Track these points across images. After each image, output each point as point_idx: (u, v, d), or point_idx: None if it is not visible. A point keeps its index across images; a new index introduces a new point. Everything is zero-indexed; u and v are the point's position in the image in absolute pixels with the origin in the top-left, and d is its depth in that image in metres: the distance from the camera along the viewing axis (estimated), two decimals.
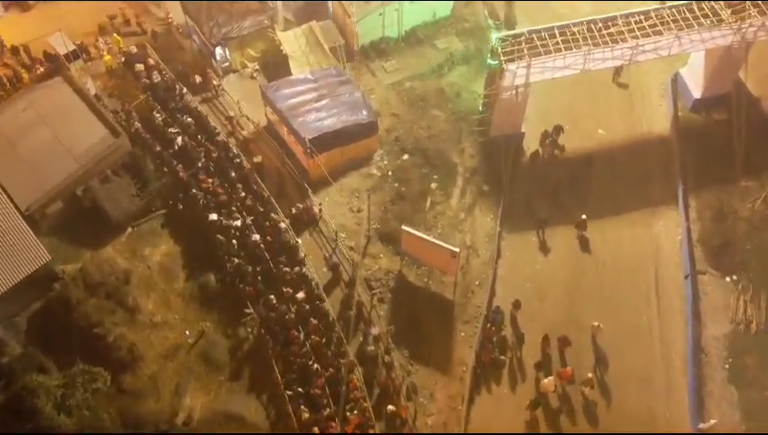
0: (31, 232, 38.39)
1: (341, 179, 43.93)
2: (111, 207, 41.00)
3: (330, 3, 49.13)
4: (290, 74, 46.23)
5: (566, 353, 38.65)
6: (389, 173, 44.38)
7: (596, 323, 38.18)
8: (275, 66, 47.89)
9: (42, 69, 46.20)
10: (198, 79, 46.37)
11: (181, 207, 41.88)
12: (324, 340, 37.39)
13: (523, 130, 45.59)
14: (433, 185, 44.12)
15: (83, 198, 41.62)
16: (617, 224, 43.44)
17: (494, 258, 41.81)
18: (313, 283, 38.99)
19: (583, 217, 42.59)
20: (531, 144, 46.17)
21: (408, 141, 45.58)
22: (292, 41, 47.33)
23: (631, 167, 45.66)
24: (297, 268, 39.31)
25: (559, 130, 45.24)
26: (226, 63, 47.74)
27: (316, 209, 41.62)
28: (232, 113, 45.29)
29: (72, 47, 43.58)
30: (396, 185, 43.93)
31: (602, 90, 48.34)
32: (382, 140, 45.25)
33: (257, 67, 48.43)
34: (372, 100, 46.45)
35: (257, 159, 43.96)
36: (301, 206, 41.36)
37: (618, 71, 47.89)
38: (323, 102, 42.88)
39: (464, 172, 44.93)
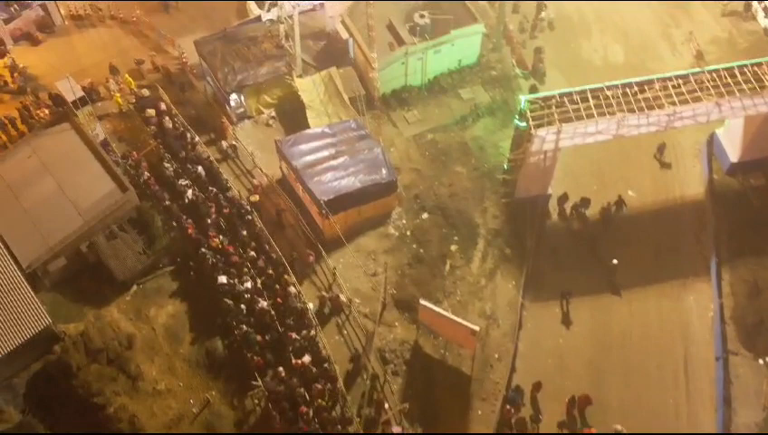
0: (32, 293, 37.61)
1: (358, 239, 42.81)
2: (116, 266, 40.00)
3: (351, 47, 47.82)
4: (307, 124, 45.07)
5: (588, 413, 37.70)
6: (408, 233, 43.19)
7: (618, 427, 36.67)
8: (292, 112, 46.80)
9: (47, 111, 45.25)
10: (225, 144, 45.34)
11: (191, 266, 40.80)
12: (330, 403, 36.49)
13: (549, 192, 44.15)
14: (453, 247, 42.92)
15: (88, 253, 40.58)
16: (645, 296, 42.03)
17: (515, 330, 40.57)
18: (324, 352, 37.90)
19: (614, 261, 41.75)
20: (557, 204, 44.94)
21: (428, 199, 44.43)
22: (310, 88, 46.14)
23: (662, 233, 44.20)
24: (305, 332, 38.28)
25: (587, 202, 43.78)
26: (241, 109, 46.65)
27: (343, 297, 40.18)
28: (257, 181, 44.25)
29: (80, 93, 42.37)
30: (414, 246, 42.75)
31: (633, 148, 46.79)
32: (401, 197, 43.95)
33: (273, 114, 47.42)
34: (392, 153, 45.37)
35: (254, 198, 43.07)
36: (326, 295, 40.09)
37: (660, 149, 46.20)
38: (341, 160, 41.74)
39: (486, 234, 43.68)
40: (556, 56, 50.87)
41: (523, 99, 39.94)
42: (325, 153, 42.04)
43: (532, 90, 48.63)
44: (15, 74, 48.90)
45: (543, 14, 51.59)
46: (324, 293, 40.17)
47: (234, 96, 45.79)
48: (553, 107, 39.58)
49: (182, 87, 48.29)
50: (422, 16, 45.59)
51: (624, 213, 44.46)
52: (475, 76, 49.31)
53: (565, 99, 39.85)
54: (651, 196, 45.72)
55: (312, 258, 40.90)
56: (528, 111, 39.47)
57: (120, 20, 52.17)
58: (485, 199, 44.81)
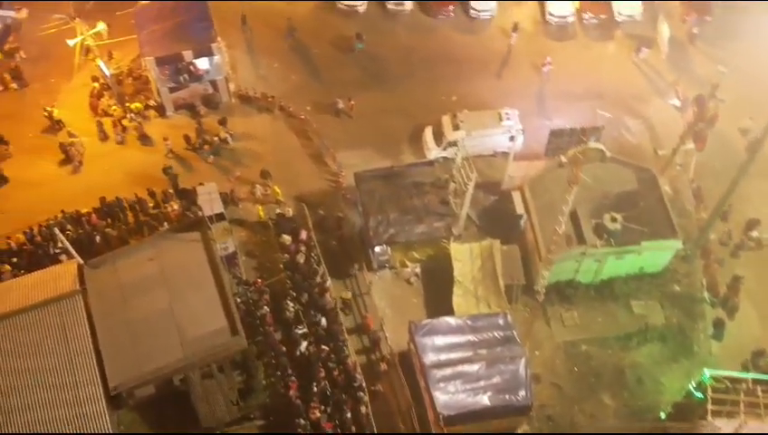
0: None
1: None
2: (204, 412, 37.77)
3: (521, 223, 43.58)
4: (450, 297, 41.45)
5: None
6: None
7: None
8: (439, 274, 43.12)
9: (175, 207, 44.05)
10: (383, 367, 41.00)
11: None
12: None
13: None
14: None
15: (180, 384, 38.40)
16: None
17: None
18: None
19: None
20: None
21: (561, 425, 39.83)
22: (465, 258, 42.40)
23: None
24: None
25: None
26: (385, 257, 43.60)
27: None
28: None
29: (219, 209, 40.30)
30: None
31: None
32: (531, 417, 39.33)
33: (418, 271, 43.94)
34: (535, 357, 41.15)
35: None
36: None
37: None
38: (475, 367, 37.71)
39: None
40: (756, 286, 44.57)
41: (707, 372, 34.57)
42: (460, 354, 38.13)
43: (717, 323, 42.87)
44: (206, 147, 48.58)
45: (756, 232, 45.45)
46: None
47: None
48: (741, 393, 34.03)
49: (338, 224, 45.52)
50: (614, 220, 40.80)
51: None
52: (655, 288, 43.91)
53: (759, 387, 34.20)
54: None
55: None
56: (710, 390, 34.12)
57: (288, 113, 50.20)
58: None
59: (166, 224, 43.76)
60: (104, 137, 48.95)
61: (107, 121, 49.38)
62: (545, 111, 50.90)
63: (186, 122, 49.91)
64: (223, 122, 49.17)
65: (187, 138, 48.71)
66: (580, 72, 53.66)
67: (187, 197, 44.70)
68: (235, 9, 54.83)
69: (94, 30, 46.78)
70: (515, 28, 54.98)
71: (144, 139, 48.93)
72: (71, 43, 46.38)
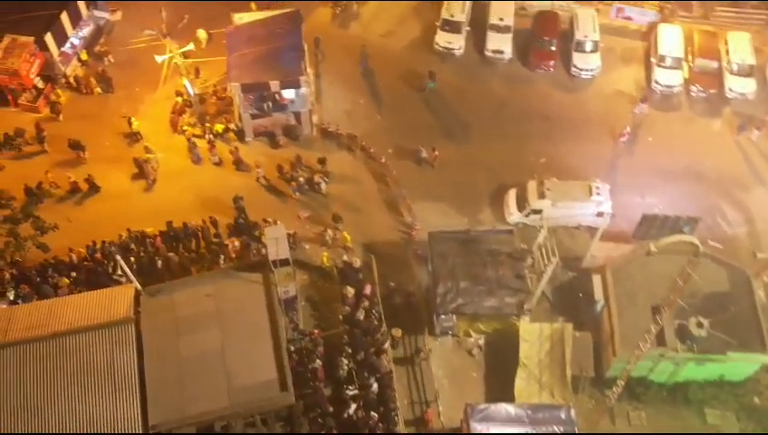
0: None
1: None
2: None
3: (598, 309, 41.31)
4: (511, 380, 39.47)
5: None
6: None
7: None
8: (503, 349, 41.11)
9: (236, 244, 43.24)
10: None
11: None
12: None
13: None
14: None
15: (221, 430, 37.46)
16: None
17: None
18: None
19: None
20: None
21: None
22: (533, 338, 40.37)
23: None
24: None
25: None
26: (449, 324, 41.80)
27: None
28: None
29: (284, 255, 39.12)
30: None
31: None
32: None
33: (481, 343, 42.06)
34: None
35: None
36: None
37: None
38: None
39: None
40: None
41: None
42: None
43: None
44: (293, 183, 47.71)
45: None
46: None
47: None
48: None
49: (407, 297, 43.57)
50: (699, 326, 38.23)
51: None
52: (733, 398, 41.02)
53: None
54: None
55: None
56: None
57: (368, 155, 49.10)
58: None
59: (222, 258, 43.35)
60: (197, 159, 48.53)
61: (201, 142, 48.97)
62: (639, 187, 48.28)
63: (264, 150, 49.45)
64: (322, 162, 48.27)
65: (279, 167, 48.15)
66: (681, 148, 50.83)
67: (249, 232, 44.06)
68: (328, 36, 54.43)
69: (184, 49, 46.46)
70: (645, 99, 52.28)
71: (239, 163, 48.43)
72: (159, 59, 46.16)
